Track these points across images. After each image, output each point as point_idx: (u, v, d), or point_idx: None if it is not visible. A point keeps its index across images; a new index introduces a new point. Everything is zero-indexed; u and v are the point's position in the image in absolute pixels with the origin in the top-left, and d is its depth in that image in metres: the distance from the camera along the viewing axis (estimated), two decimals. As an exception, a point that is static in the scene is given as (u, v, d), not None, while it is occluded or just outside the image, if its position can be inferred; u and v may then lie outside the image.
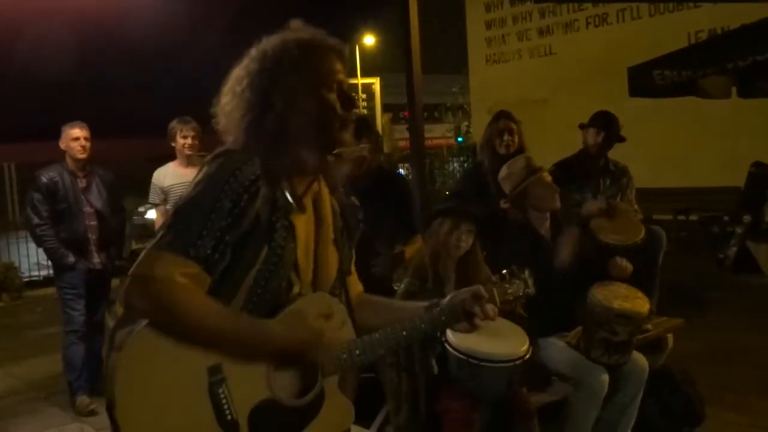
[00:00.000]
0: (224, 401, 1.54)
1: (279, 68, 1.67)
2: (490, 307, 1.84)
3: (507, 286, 1.92)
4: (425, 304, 1.89)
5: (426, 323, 1.81)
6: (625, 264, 3.58)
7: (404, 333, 1.77)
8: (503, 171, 3.79)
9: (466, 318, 1.84)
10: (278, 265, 1.62)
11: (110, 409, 1.53)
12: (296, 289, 1.67)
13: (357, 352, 1.70)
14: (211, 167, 1.61)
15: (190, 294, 1.52)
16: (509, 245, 3.62)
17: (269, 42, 1.73)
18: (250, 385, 1.57)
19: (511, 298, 1.92)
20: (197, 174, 1.65)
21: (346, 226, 1.86)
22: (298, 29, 1.77)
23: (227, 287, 1.60)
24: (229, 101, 1.70)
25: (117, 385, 1.50)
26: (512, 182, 3.68)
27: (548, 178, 3.62)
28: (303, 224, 1.69)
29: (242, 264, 1.59)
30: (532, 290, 1.96)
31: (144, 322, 1.55)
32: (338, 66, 1.73)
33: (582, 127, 4.68)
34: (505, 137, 4.44)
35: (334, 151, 1.70)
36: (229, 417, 1.54)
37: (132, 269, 1.54)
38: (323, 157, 1.69)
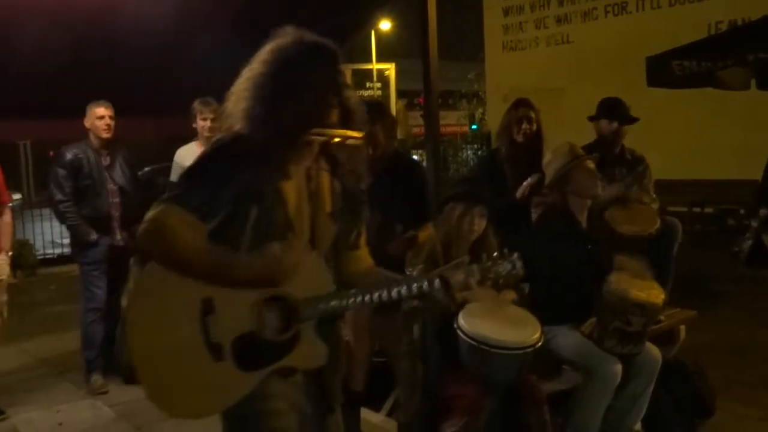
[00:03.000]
0: (209, 327, 1.87)
1: (284, 68, 1.94)
2: (467, 280, 1.99)
3: (490, 264, 2.01)
4: None
5: (402, 286, 1.98)
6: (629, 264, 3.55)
7: (378, 293, 1.96)
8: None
9: (443, 285, 1.99)
10: (271, 224, 1.92)
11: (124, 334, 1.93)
12: (288, 244, 1.94)
13: (332, 303, 1.94)
14: (212, 143, 2.01)
15: (177, 233, 1.85)
16: (543, 231, 3.60)
17: (273, 45, 1.99)
18: (236, 318, 1.88)
19: (493, 275, 2.00)
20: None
21: (349, 207, 2.10)
22: (297, 33, 2.01)
23: (229, 238, 1.91)
24: (236, 102, 1.97)
25: (131, 305, 1.88)
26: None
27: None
28: (293, 191, 1.98)
29: (237, 219, 1.91)
30: (520, 272, 2.03)
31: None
32: (337, 69, 2.01)
33: (591, 119, 4.63)
34: (524, 125, 4.41)
35: (315, 131, 1.94)
36: (213, 340, 1.87)
37: (145, 217, 1.88)
38: (306, 136, 1.94)
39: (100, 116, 4.93)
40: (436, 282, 1.98)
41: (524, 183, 4.18)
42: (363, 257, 2.19)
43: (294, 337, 1.92)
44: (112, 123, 4.97)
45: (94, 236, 4.90)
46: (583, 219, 3.61)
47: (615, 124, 4.46)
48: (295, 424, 1.98)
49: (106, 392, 4.90)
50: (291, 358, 1.93)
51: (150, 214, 1.87)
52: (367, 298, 1.95)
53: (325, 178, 2.07)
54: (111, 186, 4.99)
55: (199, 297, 1.87)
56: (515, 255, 2.03)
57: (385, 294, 1.96)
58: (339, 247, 2.10)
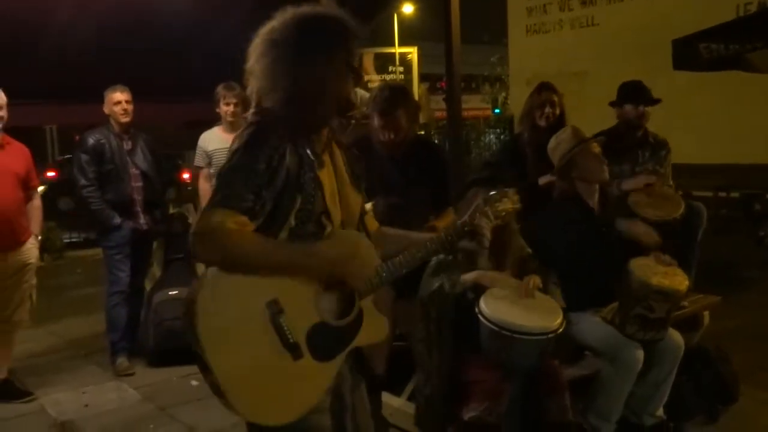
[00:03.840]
0: (284, 328, 1.85)
1: (303, 41, 1.94)
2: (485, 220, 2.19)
3: (497, 203, 2.23)
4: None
5: (435, 243, 2.15)
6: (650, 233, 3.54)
7: (419, 254, 2.10)
8: (552, 142, 3.75)
9: (470, 235, 2.18)
10: (311, 212, 1.94)
11: (197, 354, 1.80)
12: (328, 230, 1.98)
13: (384, 274, 2.04)
14: (244, 137, 1.93)
15: (242, 234, 1.82)
16: (555, 216, 3.59)
17: (289, 16, 1.98)
18: (303, 313, 1.89)
19: (503, 212, 2.24)
20: (233, 142, 1.95)
21: (355, 173, 2.17)
22: (319, 5, 2.05)
23: (271, 231, 1.90)
24: (258, 66, 1.97)
25: (200, 331, 1.78)
26: (560, 153, 3.64)
27: (596, 149, 3.57)
28: (326, 177, 2.01)
29: (281, 212, 1.90)
30: (518, 205, 2.27)
31: (211, 270, 1.85)
32: (351, 43, 2.01)
33: (613, 104, 4.58)
34: (546, 109, 4.38)
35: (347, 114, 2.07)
36: (291, 340, 1.85)
37: (192, 229, 1.84)
38: (335, 117, 2.06)
39: (117, 101, 4.98)
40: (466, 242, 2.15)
41: (549, 175, 4.15)
42: (370, 220, 2.30)
43: (358, 316, 1.99)
44: (130, 107, 5.01)
45: (117, 220, 4.95)
46: (594, 203, 3.59)
47: (640, 108, 4.40)
48: (328, 420, 2.00)
49: (132, 374, 4.97)
50: (360, 338, 2.00)
51: (204, 222, 1.81)
52: (410, 258, 2.08)
53: (337, 151, 2.13)
54: (133, 170, 5.04)
55: (264, 301, 1.84)
56: (510, 191, 2.27)
57: (423, 251, 2.11)
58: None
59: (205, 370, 1.81)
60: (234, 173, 1.87)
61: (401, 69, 18.12)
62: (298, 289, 1.90)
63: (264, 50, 1.96)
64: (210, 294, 1.82)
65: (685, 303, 3.71)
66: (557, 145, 3.68)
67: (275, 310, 1.85)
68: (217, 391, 1.81)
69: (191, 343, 1.81)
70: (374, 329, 2.05)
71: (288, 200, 1.90)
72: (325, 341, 1.92)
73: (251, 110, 2.04)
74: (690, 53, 7.52)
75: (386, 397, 3.73)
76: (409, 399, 3.75)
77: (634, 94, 4.44)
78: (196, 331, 1.78)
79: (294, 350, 1.87)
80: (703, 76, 8.68)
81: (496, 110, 20.41)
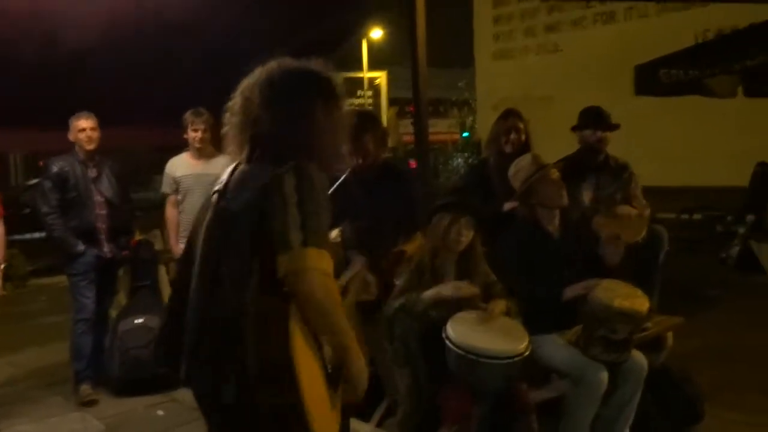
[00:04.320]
0: (325, 359, 1.97)
1: (316, 96, 2.08)
2: None
3: None
4: None
5: None
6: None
7: None
8: (512, 169, 3.80)
9: None
10: None
11: (292, 407, 1.85)
12: None
13: None
14: (308, 174, 1.95)
15: (336, 284, 1.96)
16: (517, 242, 3.63)
17: (284, 71, 2.09)
18: (327, 352, 2.00)
19: None
20: (289, 183, 1.92)
21: None
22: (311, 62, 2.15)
23: None
24: (253, 125, 2.06)
25: (299, 371, 1.85)
26: (519, 179, 3.69)
27: (554, 175, 3.63)
28: None
29: None
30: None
31: (277, 304, 1.88)
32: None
33: (574, 129, 4.67)
34: (512, 135, 4.45)
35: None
36: (329, 370, 1.98)
37: (303, 261, 1.85)
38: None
39: (81, 129, 4.94)
40: None
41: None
42: None
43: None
44: (95, 134, 4.97)
45: (80, 247, 4.90)
46: (553, 228, 3.64)
47: (598, 133, 4.50)
48: None
49: (94, 401, 4.88)
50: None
51: (325, 264, 1.87)
52: None
53: None
54: (98, 198, 5.00)
55: (311, 332, 1.94)
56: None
57: None
58: None
59: (295, 399, 1.85)
60: (320, 209, 1.92)
61: (370, 93, 18.28)
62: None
63: (267, 103, 2.05)
64: (297, 325, 1.88)
65: (649, 324, 3.76)
66: (517, 171, 3.74)
67: (319, 344, 1.96)
68: (300, 416, 1.86)
69: (277, 370, 1.85)
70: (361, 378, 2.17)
71: None
72: (334, 379, 2.03)
73: (247, 158, 2.08)
74: (651, 79, 7.74)
75: (355, 424, 3.71)
76: (379, 425, 3.74)
77: (592, 119, 4.53)
78: (291, 361, 1.84)
79: (332, 382, 2.00)
80: (665, 101, 8.91)
81: (464, 134, 20.62)
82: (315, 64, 2.13)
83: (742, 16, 9.14)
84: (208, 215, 2.09)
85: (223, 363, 1.90)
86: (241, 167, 2.09)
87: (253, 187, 1.97)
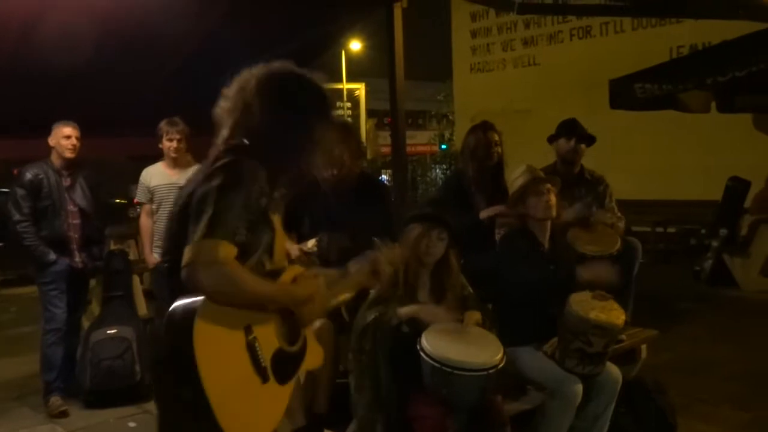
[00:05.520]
0: (258, 353, 1.96)
1: (292, 102, 2.11)
2: None
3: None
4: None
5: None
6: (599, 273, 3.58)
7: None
8: (511, 177, 3.84)
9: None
10: (270, 250, 2.10)
11: (186, 377, 1.82)
12: (268, 267, 2.09)
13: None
14: (233, 171, 1.98)
15: (243, 270, 1.94)
16: (506, 252, 3.64)
17: (275, 74, 2.14)
18: (268, 339, 2.02)
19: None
20: (215, 175, 1.97)
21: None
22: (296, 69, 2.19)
23: (242, 263, 1.98)
24: (240, 114, 2.09)
25: (197, 354, 1.82)
26: (512, 189, 3.72)
27: (546, 186, 3.64)
28: (276, 219, 2.17)
29: (253, 247, 2.02)
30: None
31: (198, 301, 1.86)
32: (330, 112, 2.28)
33: (550, 140, 4.71)
34: (494, 148, 4.48)
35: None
36: (262, 364, 1.98)
37: (194, 257, 1.87)
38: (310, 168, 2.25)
39: (66, 135, 4.88)
40: None
41: (492, 208, 4.22)
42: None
43: (304, 343, 2.19)
44: (78, 144, 4.93)
45: (52, 257, 4.83)
46: (545, 239, 3.65)
47: (572, 142, 4.53)
48: None
49: (65, 413, 4.79)
50: (306, 363, 2.20)
51: (208, 253, 1.87)
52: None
53: None
54: (71, 207, 4.93)
55: (242, 326, 1.94)
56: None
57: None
58: None
59: (194, 391, 1.83)
60: (230, 206, 1.93)
61: (349, 105, 18.29)
62: (264, 318, 2.02)
63: (260, 96, 2.08)
64: (204, 321, 1.86)
65: (623, 336, 3.79)
66: (512, 182, 3.78)
67: (250, 336, 1.95)
68: (205, 410, 1.84)
69: (179, 367, 1.84)
70: (315, 356, 2.26)
71: (259, 236, 2.04)
72: (283, 365, 2.06)
73: (220, 144, 2.11)
74: (626, 93, 7.80)
75: (330, 435, 3.68)
76: (353, 436, 3.70)
77: (567, 128, 4.59)
78: (192, 354, 1.82)
79: (263, 374, 1.98)
80: (640, 116, 9.00)
81: (443, 146, 20.71)
82: (315, 75, 2.20)
83: (714, 33, 9.28)
84: (175, 212, 2.14)
85: (153, 355, 2.00)
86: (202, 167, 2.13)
87: (196, 180, 2.06)
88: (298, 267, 2.24)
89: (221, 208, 1.93)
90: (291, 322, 2.13)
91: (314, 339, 2.24)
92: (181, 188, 2.24)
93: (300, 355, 2.16)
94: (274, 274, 2.11)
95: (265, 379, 1.98)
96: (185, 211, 2.02)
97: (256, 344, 1.96)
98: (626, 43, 11.49)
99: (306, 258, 3.54)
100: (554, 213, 3.63)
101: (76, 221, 4.96)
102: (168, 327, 1.88)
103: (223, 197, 1.94)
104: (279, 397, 2.06)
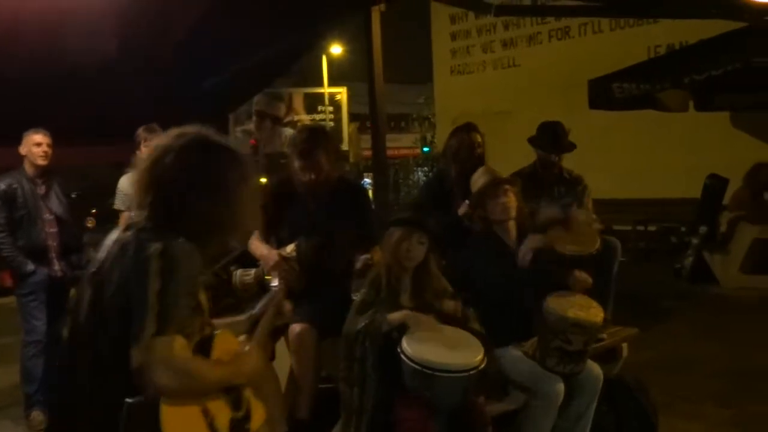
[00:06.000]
0: (217, 431, 1.96)
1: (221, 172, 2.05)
2: None
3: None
4: None
5: None
6: (584, 277, 3.60)
7: None
8: (472, 180, 3.85)
9: None
10: (201, 326, 2.06)
11: None
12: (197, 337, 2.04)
13: None
14: (172, 260, 1.90)
15: (198, 361, 1.95)
16: (473, 254, 3.65)
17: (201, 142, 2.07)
18: (222, 413, 2.02)
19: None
20: (150, 263, 1.88)
21: None
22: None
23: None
24: (157, 192, 2.00)
25: None
26: (474, 191, 3.73)
27: (502, 188, 3.66)
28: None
29: (193, 328, 1.98)
30: None
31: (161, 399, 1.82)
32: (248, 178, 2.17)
33: (531, 142, 4.74)
34: (478, 149, 4.50)
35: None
36: None
37: (149, 358, 1.81)
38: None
39: (37, 143, 4.84)
40: None
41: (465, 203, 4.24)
42: None
43: (248, 407, 2.15)
44: (50, 150, 4.88)
45: (30, 267, 4.78)
46: (510, 238, 3.67)
47: (554, 156, 4.59)
48: None
49: (46, 429, 4.74)
50: (253, 422, 2.16)
51: (167, 353, 1.82)
52: None
53: None
54: (47, 216, 4.89)
55: (200, 411, 1.93)
56: None
57: None
58: None
59: None
60: (175, 298, 1.88)
61: (331, 109, 18.25)
62: (214, 394, 2.01)
63: (177, 174, 1.99)
64: (168, 418, 1.84)
65: (604, 335, 3.79)
66: (473, 184, 3.81)
67: (209, 416, 1.95)
68: None
69: None
70: (259, 413, 2.20)
71: (194, 317, 1.99)
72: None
73: (141, 222, 2.00)
74: (604, 93, 7.87)
75: (313, 442, 3.66)
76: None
77: (550, 143, 4.61)
78: None
79: None
80: (619, 115, 9.08)
81: (425, 149, 20.74)
82: (233, 142, 2.17)
83: (691, 32, 9.37)
84: (87, 294, 2.01)
85: None
86: (119, 242, 2.01)
87: (123, 268, 1.93)
88: (224, 331, 2.19)
89: (167, 302, 1.86)
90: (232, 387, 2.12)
91: (252, 394, 2.20)
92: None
93: (247, 417, 2.13)
94: (206, 340, 2.06)
95: None
96: (100, 295, 1.95)
97: (216, 423, 1.95)
98: (604, 44, 11.56)
99: (285, 263, 3.53)
100: (513, 214, 3.66)
101: (53, 229, 4.91)
102: (131, 424, 1.83)
103: (167, 288, 1.87)
104: None
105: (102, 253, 2.04)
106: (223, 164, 2.05)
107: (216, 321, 2.22)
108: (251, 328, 2.54)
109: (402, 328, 3.09)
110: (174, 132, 2.08)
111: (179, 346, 1.86)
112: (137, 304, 1.85)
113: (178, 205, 1.99)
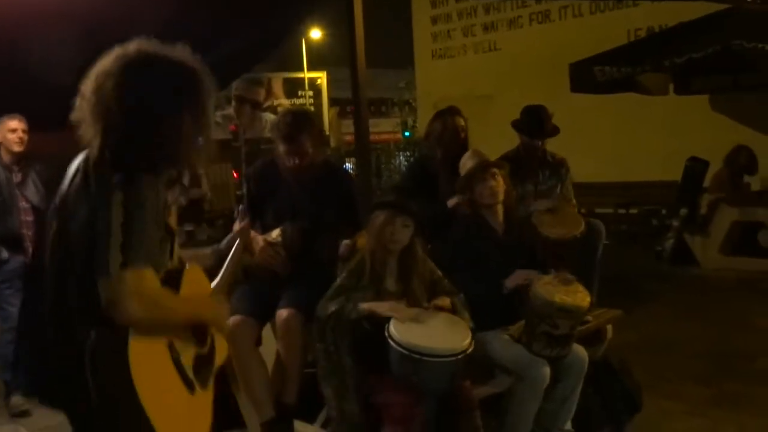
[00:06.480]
0: (183, 367, 1.97)
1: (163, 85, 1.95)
2: None
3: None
4: None
5: None
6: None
7: None
8: (461, 163, 3.85)
9: None
10: (171, 253, 2.03)
11: (123, 402, 1.81)
12: (169, 266, 2.02)
13: None
14: (134, 191, 1.84)
15: (168, 295, 1.95)
16: (461, 238, 3.65)
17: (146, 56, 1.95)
18: (186, 349, 2.02)
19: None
20: (111, 195, 1.83)
21: None
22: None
23: None
24: (106, 120, 1.90)
25: (135, 379, 1.80)
26: (462, 174, 3.73)
27: (490, 172, 3.65)
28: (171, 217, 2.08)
29: (162, 258, 1.96)
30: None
31: (129, 333, 1.81)
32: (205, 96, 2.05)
33: (515, 126, 4.74)
34: (463, 133, 4.49)
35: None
36: (189, 377, 1.99)
37: (119, 292, 1.78)
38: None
39: (12, 129, 4.77)
40: None
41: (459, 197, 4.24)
42: None
43: (212, 343, 2.17)
44: (25, 137, 4.81)
45: (4, 255, 4.73)
46: (497, 222, 3.68)
47: (537, 141, 4.60)
48: None
49: (27, 412, 4.68)
50: (217, 359, 2.20)
51: (138, 284, 1.79)
52: None
53: None
54: (23, 204, 4.82)
55: (166, 345, 1.93)
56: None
57: None
58: None
59: (139, 420, 1.82)
60: (141, 229, 1.83)
61: (311, 93, 18.14)
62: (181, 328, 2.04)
63: (121, 98, 1.88)
64: (136, 351, 1.83)
65: (589, 317, 3.80)
66: (461, 168, 3.79)
67: (174, 352, 1.95)
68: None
69: (117, 393, 1.82)
70: (222, 350, 2.24)
71: (164, 246, 1.97)
72: (203, 369, 2.07)
73: (95, 153, 1.92)
74: (586, 76, 7.88)
75: (300, 425, 3.66)
76: (324, 426, 3.69)
77: (534, 127, 4.61)
78: (132, 385, 1.80)
79: (189, 385, 1.99)
80: (600, 99, 9.10)
81: (406, 133, 20.70)
82: (181, 52, 1.98)
83: (671, 15, 9.42)
84: (53, 227, 1.97)
85: (70, 400, 1.93)
86: (81, 173, 1.94)
87: (87, 205, 1.87)
88: (193, 266, 2.18)
89: (133, 233, 1.81)
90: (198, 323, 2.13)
91: (217, 333, 2.21)
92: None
93: (211, 355, 2.15)
94: (175, 274, 2.03)
95: (192, 389, 2.00)
96: (65, 228, 1.91)
97: (181, 359, 1.96)
98: (585, 27, 11.58)
99: (271, 248, 3.50)
100: (501, 197, 3.66)
101: (30, 218, 4.84)
102: (97, 359, 1.81)
103: (131, 220, 1.82)
104: (206, 402, 2.10)
105: (65, 184, 1.98)
106: (166, 81, 1.93)
107: (181, 252, 2.16)
108: (217, 262, 2.54)
109: (372, 318, 3.08)
110: (115, 52, 1.94)
111: (149, 277, 1.85)
112: (100, 237, 1.80)
113: (125, 132, 1.88)
